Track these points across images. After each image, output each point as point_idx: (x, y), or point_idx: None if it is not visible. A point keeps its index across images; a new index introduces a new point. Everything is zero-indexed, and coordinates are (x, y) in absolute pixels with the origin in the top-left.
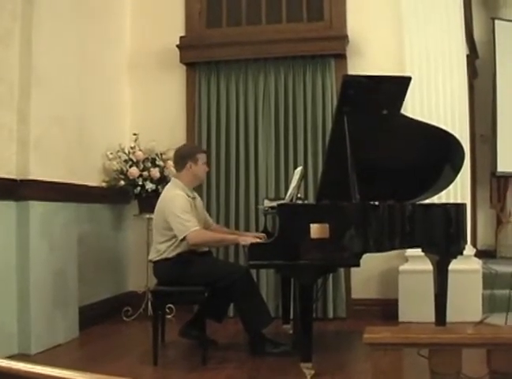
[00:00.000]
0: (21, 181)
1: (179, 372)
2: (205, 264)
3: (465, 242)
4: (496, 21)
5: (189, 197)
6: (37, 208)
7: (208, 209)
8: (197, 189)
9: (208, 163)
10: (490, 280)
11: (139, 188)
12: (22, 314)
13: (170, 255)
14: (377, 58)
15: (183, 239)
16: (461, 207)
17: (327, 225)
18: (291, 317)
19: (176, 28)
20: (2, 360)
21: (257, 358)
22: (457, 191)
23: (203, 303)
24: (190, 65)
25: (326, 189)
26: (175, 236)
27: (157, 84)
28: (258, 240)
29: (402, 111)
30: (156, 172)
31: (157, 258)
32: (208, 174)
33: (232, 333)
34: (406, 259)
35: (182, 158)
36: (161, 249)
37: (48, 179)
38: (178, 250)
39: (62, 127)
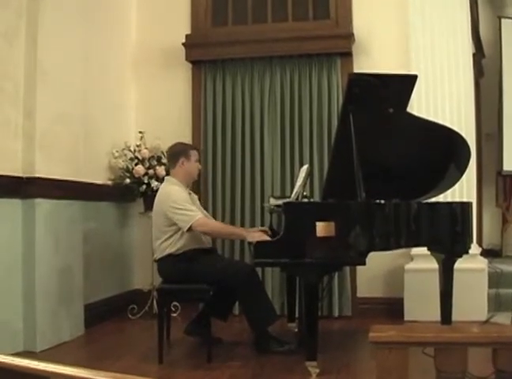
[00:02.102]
0: (27, 178)
1: (184, 370)
2: (210, 261)
3: (471, 241)
4: (503, 20)
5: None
6: (43, 206)
7: (213, 207)
8: (204, 186)
9: (214, 162)
10: (495, 279)
11: (145, 186)
12: (28, 312)
13: (173, 249)
14: (383, 57)
15: (189, 229)
16: (466, 206)
17: (333, 223)
18: (297, 315)
19: (182, 26)
20: (8, 357)
21: (262, 356)
22: (463, 190)
23: (208, 301)
24: (196, 64)
25: (332, 188)
26: (176, 231)
27: (163, 82)
28: (265, 237)
29: (408, 110)
30: (161, 170)
31: (161, 256)
32: (214, 172)
33: (237, 331)
34: (412, 258)
35: (175, 154)
36: (163, 247)
37: (54, 177)
38: (180, 244)
39: (67, 124)
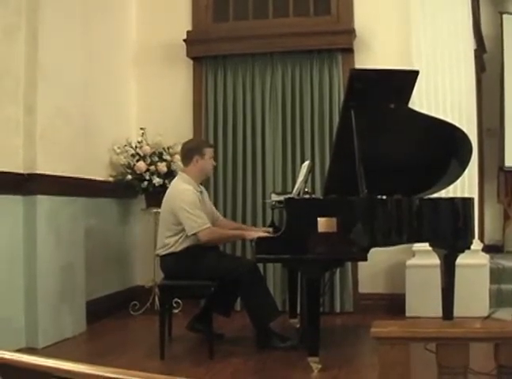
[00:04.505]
0: (28, 175)
1: (186, 366)
2: (212, 258)
3: (473, 237)
4: (504, 15)
5: (197, 191)
6: (44, 203)
7: (215, 204)
8: (205, 183)
9: (216, 158)
10: (497, 275)
11: (146, 182)
12: (29, 308)
13: (177, 249)
14: (384, 52)
15: (192, 235)
16: (468, 201)
17: (334, 219)
18: (299, 311)
19: (183, 23)
20: (10, 353)
21: (264, 352)
22: (465, 185)
23: (210, 297)
24: (197, 60)
25: (334, 183)
26: (182, 230)
27: (164, 78)
28: (265, 234)
29: (410, 105)
30: (163, 166)
31: (164, 252)
32: (216, 168)
33: (239, 327)
34: (413, 253)
35: (189, 152)
36: (168, 244)
37: (55, 173)
38: (186, 244)
39: (68, 121)
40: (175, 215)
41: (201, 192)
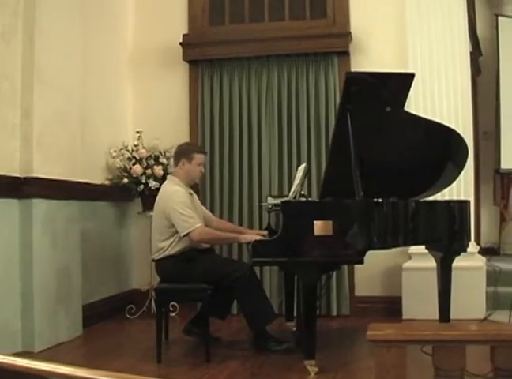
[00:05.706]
0: (25, 178)
1: (183, 369)
2: (208, 261)
3: (469, 239)
4: (500, 18)
5: (187, 193)
6: (40, 206)
7: (211, 207)
8: (202, 186)
9: (212, 161)
10: (493, 277)
11: (142, 186)
12: (26, 312)
13: (172, 252)
14: (380, 55)
15: (185, 235)
16: (464, 204)
17: (331, 222)
18: (295, 314)
19: (179, 26)
20: (5, 357)
21: (261, 355)
22: (461, 188)
23: (206, 301)
24: (193, 63)
25: (330, 186)
26: (175, 233)
27: (160, 81)
28: (261, 237)
29: (406, 108)
30: (159, 170)
31: (159, 256)
32: (212, 171)
33: (236, 330)
34: (410, 256)
35: (178, 154)
36: (163, 247)
37: (51, 177)
38: (180, 246)
39: (64, 124)
40: (167, 218)
41: (190, 194)
